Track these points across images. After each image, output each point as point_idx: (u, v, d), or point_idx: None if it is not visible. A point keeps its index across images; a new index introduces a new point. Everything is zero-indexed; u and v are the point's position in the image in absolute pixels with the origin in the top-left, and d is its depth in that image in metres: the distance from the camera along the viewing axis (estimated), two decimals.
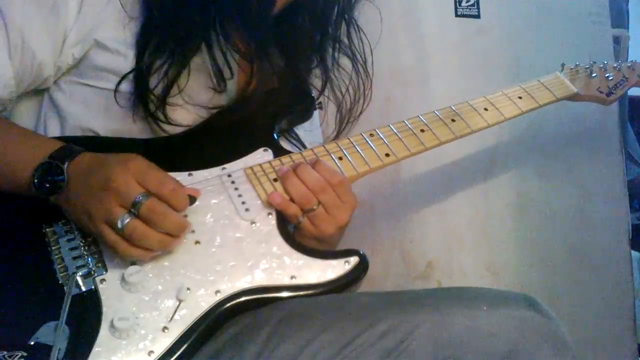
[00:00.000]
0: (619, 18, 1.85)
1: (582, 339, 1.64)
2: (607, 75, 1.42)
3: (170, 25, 1.08)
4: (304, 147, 1.26)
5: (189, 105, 1.13)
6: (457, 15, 1.69)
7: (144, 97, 1.07)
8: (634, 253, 1.82)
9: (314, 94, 1.30)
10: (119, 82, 1.08)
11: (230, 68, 1.14)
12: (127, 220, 0.90)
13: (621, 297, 1.71)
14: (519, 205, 1.69)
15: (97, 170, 0.93)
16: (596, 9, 1.75)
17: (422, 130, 1.18)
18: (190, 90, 1.11)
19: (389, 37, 1.60)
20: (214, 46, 1.11)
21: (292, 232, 1.09)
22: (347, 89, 1.34)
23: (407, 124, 1.18)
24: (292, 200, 1.04)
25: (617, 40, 1.75)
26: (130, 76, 1.08)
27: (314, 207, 1.04)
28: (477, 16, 1.71)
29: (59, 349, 0.83)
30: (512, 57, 1.69)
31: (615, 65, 1.45)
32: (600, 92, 1.41)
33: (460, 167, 1.67)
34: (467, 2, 1.70)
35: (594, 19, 1.74)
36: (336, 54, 1.32)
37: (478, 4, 1.70)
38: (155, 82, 1.08)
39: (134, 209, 0.90)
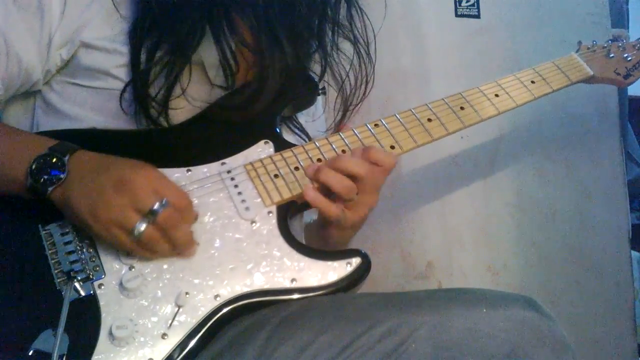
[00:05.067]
0: (619, 18, 1.84)
1: (582, 339, 1.64)
2: (625, 55, 1.35)
3: (171, 20, 1.06)
4: (307, 136, 1.24)
5: (191, 105, 1.10)
6: (457, 16, 1.69)
7: (145, 103, 1.06)
8: (634, 253, 1.82)
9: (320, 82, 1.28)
10: (123, 90, 1.06)
11: (236, 62, 1.11)
12: (144, 226, 0.90)
13: (621, 297, 1.71)
14: (519, 205, 1.69)
15: (109, 168, 0.92)
16: (596, 9, 1.75)
17: (429, 120, 1.15)
18: (192, 89, 1.10)
19: (389, 37, 1.60)
20: (221, 39, 1.09)
21: (327, 228, 1.09)
22: (348, 74, 1.30)
23: (413, 113, 1.15)
24: (333, 191, 1.02)
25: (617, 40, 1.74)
26: (127, 79, 1.06)
27: (355, 197, 1.03)
28: (477, 16, 1.70)
29: (59, 357, 0.83)
30: (512, 57, 1.68)
31: (635, 44, 1.38)
32: (618, 73, 1.34)
33: (460, 167, 1.67)
34: (467, 2, 1.69)
35: (593, 19, 1.74)
36: (336, 38, 1.28)
37: (478, 4, 1.70)
38: (155, 83, 1.06)
39: (150, 215, 0.89)
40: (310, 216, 1.28)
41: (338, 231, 1.10)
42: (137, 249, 0.93)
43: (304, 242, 1.21)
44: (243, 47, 1.12)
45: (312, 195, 1.02)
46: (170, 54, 1.06)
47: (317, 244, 1.18)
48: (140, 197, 0.89)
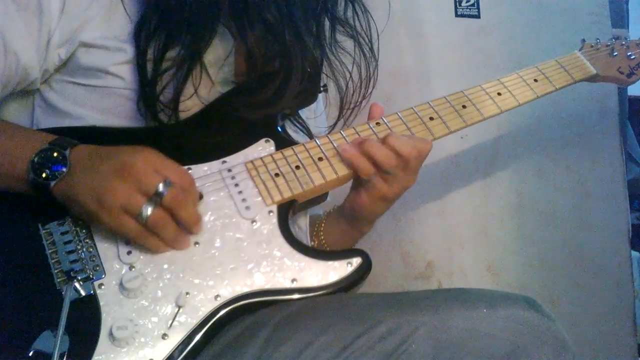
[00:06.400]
0: (619, 18, 1.85)
1: (582, 339, 1.65)
2: (629, 54, 1.34)
3: (186, 18, 1.05)
4: (309, 131, 1.24)
5: (201, 104, 1.09)
6: (457, 16, 1.70)
7: (154, 105, 1.05)
8: (634, 253, 1.83)
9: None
10: (140, 95, 1.05)
11: (254, 58, 1.10)
12: (151, 208, 0.89)
13: (621, 297, 1.72)
14: (519, 205, 1.70)
15: (109, 157, 0.92)
16: (596, 9, 1.75)
17: (431, 118, 1.15)
18: (200, 89, 1.08)
19: (389, 37, 1.60)
20: (246, 36, 1.08)
21: (358, 193, 1.09)
22: (351, 73, 1.28)
23: (415, 112, 1.15)
24: (376, 162, 1.04)
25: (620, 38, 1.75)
26: (134, 80, 1.05)
27: (394, 172, 1.05)
28: (477, 16, 1.71)
29: (59, 357, 0.83)
30: (512, 57, 1.69)
31: (639, 42, 1.37)
32: (621, 72, 1.33)
33: (460, 167, 1.67)
34: (467, 2, 1.70)
35: (594, 19, 1.74)
36: (335, 34, 1.26)
37: (478, 4, 1.70)
38: (163, 84, 1.05)
39: (156, 196, 0.89)
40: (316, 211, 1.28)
41: (370, 200, 1.09)
42: (145, 235, 0.92)
43: (308, 239, 1.22)
44: (262, 44, 1.11)
45: (348, 149, 1.05)
46: (183, 53, 1.05)
47: (343, 224, 1.19)
48: (144, 179, 0.89)
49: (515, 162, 1.70)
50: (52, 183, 0.92)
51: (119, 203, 0.89)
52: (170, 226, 0.93)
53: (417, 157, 1.06)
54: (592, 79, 1.32)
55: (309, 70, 1.15)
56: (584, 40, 1.36)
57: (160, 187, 0.90)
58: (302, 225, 1.21)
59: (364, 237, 1.24)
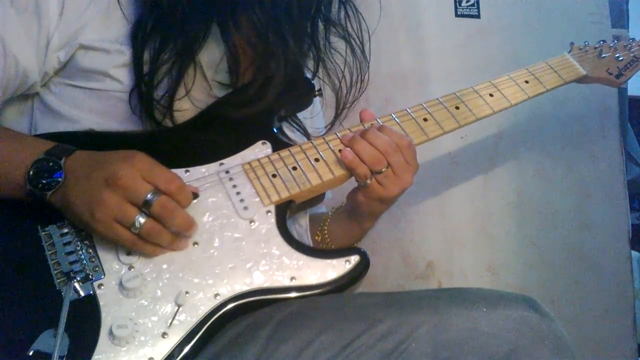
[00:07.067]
0: (619, 18, 1.85)
1: (582, 339, 1.65)
2: (617, 55, 1.37)
3: (179, 20, 1.06)
4: (306, 132, 1.25)
5: (194, 106, 1.10)
6: (457, 16, 1.69)
7: (150, 105, 1.05)
8: (634, 253, 1.83)
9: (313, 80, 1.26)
10: (131, 92, 1.06)
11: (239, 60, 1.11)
12: (143, 219, 0.90)
13: (621, 297, 1.72)
14: (519, 205, 1.69)
15: (100, 166, 0.92)
16: (596, 9, 1.76)
17: (425, 120, 1.16)
18: (192, 90, 1.09)
19: (389, 38, 1.60)
20: (230, 38, 1.08)
21: (356, 192, 1.10)
22: (344, 74, 1.28)
23: (409, 113, 1.16)
24: (362, 162, 1.05)
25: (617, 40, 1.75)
26: (132, 83, 1.06)
27: (383, 170, 1.06)
28: (477, 16, 1.71)
29: (59, 357, 0.83)
30: (512, 58, 1.69)
31: (626, 44, 1.40)
32: (610, 73, 1.36)
33: (460, 167, 1.67)
34: (467, 2, 1.70)
35: (594, 19, 1.75)
36: (329, 35, 1.27)
37: (478, 4, 1.70)
38: (159, 85, 1.06)
39: (145, 207, 0.90)
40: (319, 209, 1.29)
41: (366, 200, 1.10)
42: (141, 244, 0.93)
43: (309, 236, 1.22)
44: (248, 45, 1.12)
45: (348, 154, 1.06)
46: (176, 55, 1.06)
47: (344, 220, 1.21)
48: (132, 189, 0.90)
49: (515, 161, 1.70)
50: (48, 193, 0.93)
51: (112, 215, 0.90)
52: (164, 233, 0.93)
53: (394, 152, 1.06)
54: (583, 80, 1.35)
55: (292, 72, 1.15)
56: (572, 43, 1.38)
57: (148, 196, 0.90)
58: (302, 223, 1.22)
59: (364, 236, 1.25)
